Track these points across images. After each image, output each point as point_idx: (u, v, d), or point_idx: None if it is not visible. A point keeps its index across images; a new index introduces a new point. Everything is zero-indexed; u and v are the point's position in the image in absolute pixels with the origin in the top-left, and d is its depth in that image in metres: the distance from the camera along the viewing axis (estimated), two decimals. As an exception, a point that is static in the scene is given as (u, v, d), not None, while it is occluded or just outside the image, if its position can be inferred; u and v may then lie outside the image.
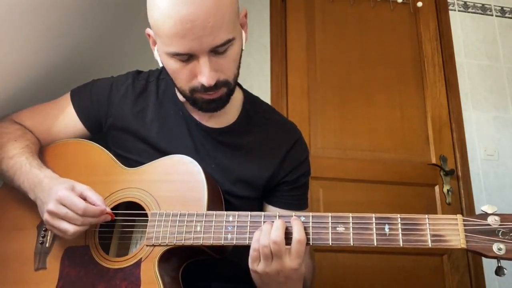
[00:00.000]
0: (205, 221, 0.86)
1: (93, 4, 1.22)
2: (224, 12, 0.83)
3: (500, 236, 0.74)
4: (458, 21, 2.48)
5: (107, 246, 0.96)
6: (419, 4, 2.44)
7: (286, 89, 2.22)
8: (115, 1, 1.33)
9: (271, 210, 1.04)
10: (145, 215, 0.91)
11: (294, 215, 0.83)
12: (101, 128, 1.07)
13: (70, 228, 0.86)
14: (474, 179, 2.20)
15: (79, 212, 0.85)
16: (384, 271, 1.99)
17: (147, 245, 0.88)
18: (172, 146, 1.00)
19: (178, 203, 0.90)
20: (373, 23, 2.40)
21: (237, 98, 1.07)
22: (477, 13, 2.53)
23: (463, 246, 0.75)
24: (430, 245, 0.76)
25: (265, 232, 0.80)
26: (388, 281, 1.99)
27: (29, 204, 0.95)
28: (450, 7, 2.50)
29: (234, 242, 0.84)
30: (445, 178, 2.16)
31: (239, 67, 0.94)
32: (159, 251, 0.87)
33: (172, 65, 0.88)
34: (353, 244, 0.79)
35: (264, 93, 2.13)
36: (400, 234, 0.78)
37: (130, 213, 0.94)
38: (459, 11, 2.51)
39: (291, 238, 0.80)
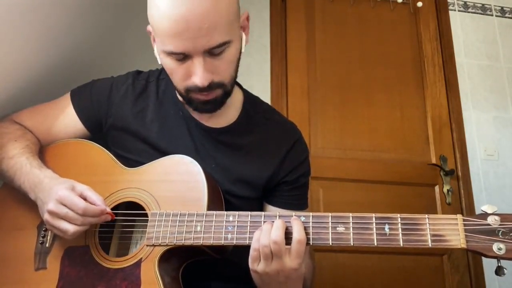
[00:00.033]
0: (205, 221, 0.86)
1: (93, 4, 1.23)
2: (221, 14, 0.83)
3: (500, 236, 0.74)
4: (458, 21, 2.48)
5: (107, 246, 0.96)
6: (419, 4, 2.44)
7: (286, 89, 2.22)
8: (115, 1, 1.33)
9: (271, 210, 1.04)
10: (145, 215, 0.91)
11: (294, 215, 0.83)
12: (101, 128, 1.07)
13: (70, 228, 0.86)
14: (474, 179, 2.20)
15: (79, 212, 0.85)
16: (384, 271, 1.99)
17: (147, 245, 0.88)
18: (172, 146, 1.00)
19: (178, 203, 0.90)
20: (373, 23, 2.40)
21: (237, 98, 1.07)
22: (477, 13, 2.53)
23: (463, 246, 0.75)
24: (430, 245, 0.76)
25: (265, 232, 0.80)
26: (388, 281, 1.99)
27: (29, 204, 0.95)
28: (450, 7, 2.50)
29: (234, 242, 0.84)
30: (445, 178, 2.17)
31: (236, 69, 0.94)
32: (159, 251, 0.87)
33: (169, 64, 0.89)
34: (353, 244, 0.79)
35: (264, 93, 2.13)
36: (400, 234, 0.78)
37: (130, 213, 0.94)
38: (459, 11, 2.51)
39: (291, 238, 0.80)
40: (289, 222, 0.82)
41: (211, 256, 0.91)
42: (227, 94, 0.94)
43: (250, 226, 0.84)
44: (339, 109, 2.22)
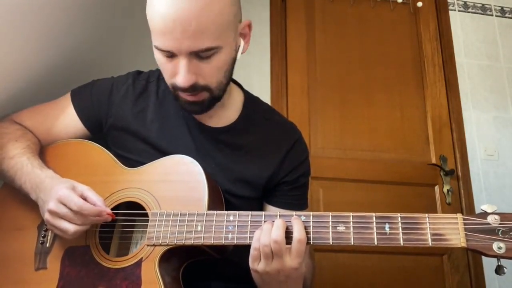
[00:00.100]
0: (205, 220, 0.86)
1: (93, 4, 1.23)
2: (212, 20, 0.83)
3: (500, 235, 0.74)
4: (458, 21, 2.48)
5: (108, 246, 0.96)
6: (419, 4, 2.44)
7: (286, 89, 2.22)
8: (115, 1, 1.33)
9: (271, 210, 1.04)
10: (146, 215, 0.91)
11: (295, 215, 0.83)
12: (101, 128, 1.07)
13: (70, 227, 0.86)
14: (474, 179, 2.20)
15: (74, 208, 0.85)
16: (384, 271, 1.99)
17: (147, 245, 0.88)
18: (172, 146, 1.00)
19: (179, 203, 0.90)
20: (373, 23, 2.40)
21: (238, 98, 1.07)
22: (477, 13, 2.53)
23: (463, 245, 0.75)
24: (430, 244, 0.76)
25: (266, 232, 0.80)
26: (388, 281, 1.99)
27: (30, 204, 0.95)
28: (450, 7, 2.50)
29: (235, 241, 0.84)
30: (445, 178, 2.17)
31: (227, 75, 0.94)
32: (160, 251, 0.87)
33: (159, 59, 0.90)
34: (354, 243, 0.79)
35: (264, 93, 2.13)
36: (401, 233, 0.78)
37: (131, 213, 0.94)
38: (459, 11, 2.51)
39: (291, 238, 0.80)
40: (290, 221, 0.82)
41: (212, 256, 0.91)
42: (215, 98, 0.94)
43: (250, 225, 0.84)
44: (339, 109, 2.23)
